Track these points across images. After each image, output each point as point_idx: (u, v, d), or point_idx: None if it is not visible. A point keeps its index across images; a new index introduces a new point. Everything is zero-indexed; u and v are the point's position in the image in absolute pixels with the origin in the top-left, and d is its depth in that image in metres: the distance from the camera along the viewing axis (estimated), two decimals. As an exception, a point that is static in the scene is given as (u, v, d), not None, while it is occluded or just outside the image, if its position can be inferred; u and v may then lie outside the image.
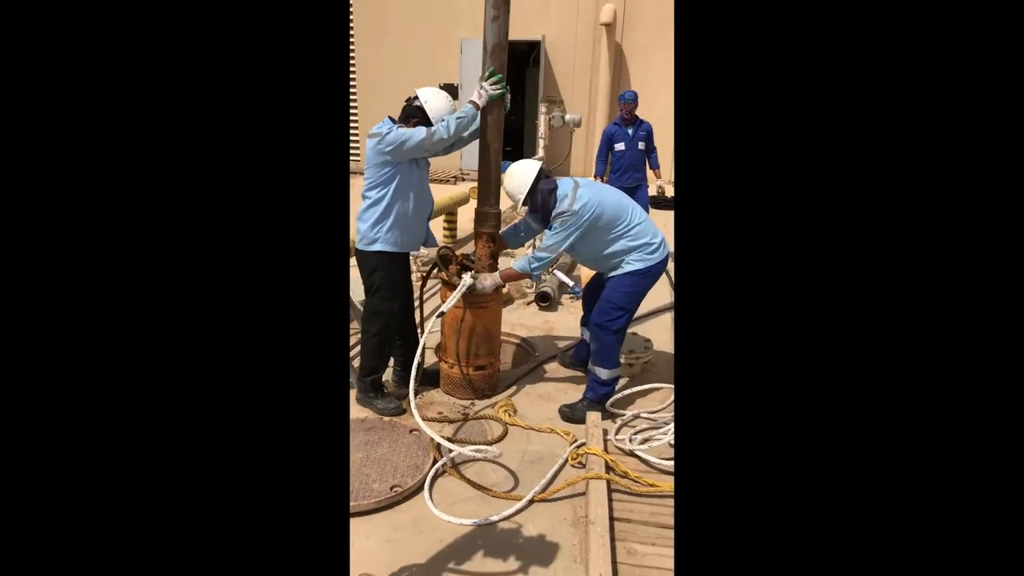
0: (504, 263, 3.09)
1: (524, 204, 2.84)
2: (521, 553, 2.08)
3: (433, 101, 2.69)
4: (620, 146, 5.09)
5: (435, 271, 2.99)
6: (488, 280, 2.83)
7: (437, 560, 2.04)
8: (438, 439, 2.17)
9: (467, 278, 2.76)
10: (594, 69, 9.27)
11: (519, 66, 10.23)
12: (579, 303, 3.73)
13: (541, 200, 2.78)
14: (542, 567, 2.02)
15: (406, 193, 2.68)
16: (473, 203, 3.12)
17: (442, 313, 2.78)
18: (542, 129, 4.33)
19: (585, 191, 2.73)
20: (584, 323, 3.24)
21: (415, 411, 2.23)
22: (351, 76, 9.95)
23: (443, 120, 2.61)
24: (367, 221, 2.68)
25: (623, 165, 5.11)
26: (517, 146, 10.45)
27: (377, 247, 2.69)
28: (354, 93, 10.08)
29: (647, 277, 2.78)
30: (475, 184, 3.08)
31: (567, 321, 4.11)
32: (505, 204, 3.12)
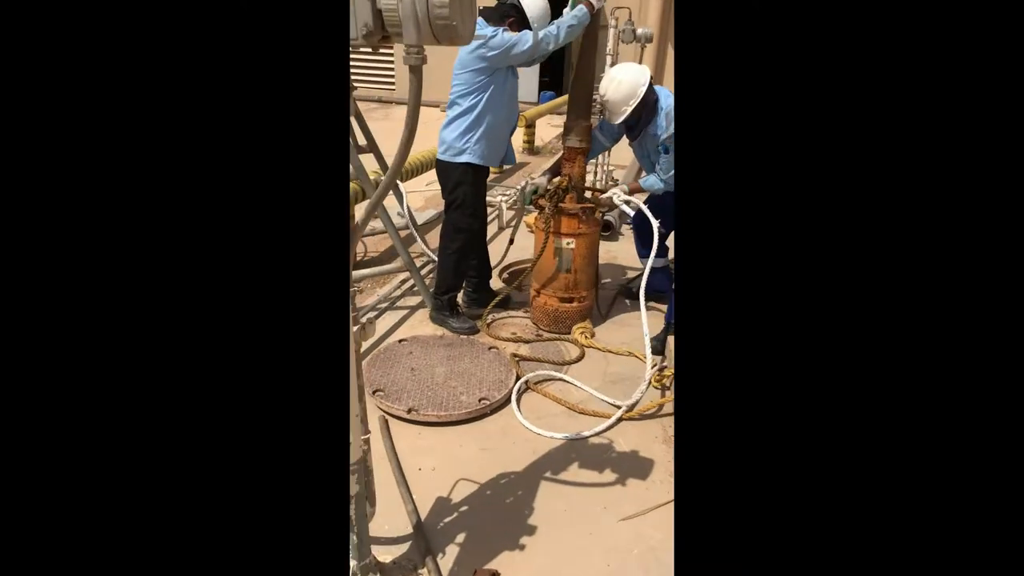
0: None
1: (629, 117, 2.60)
2: (616, 466, 2.09)
3: (536, 6, 2.50)
4: None
5: (552, 202, 2.73)
6: (622, 192, 2.83)
7: (533, 469, 2.06)
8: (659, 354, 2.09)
9: (618, 191, 2.79)
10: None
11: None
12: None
13: (646, 111, 2.59)
14: (639, 480, 2.03)
15: (498, 103, 2.55)
16: (518, 131, 2.94)
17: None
18: (610, 44, 4.06)
19: None
20: (642, 254, 3.11)
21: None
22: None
23: (553, 26, 2.44)
24: (455, 130, 2.57)
25: None
26: (558, 72, 9.90)
27: (464, 158, 2.59)
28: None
29: None
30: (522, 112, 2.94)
31: (629, 250, 4.01)
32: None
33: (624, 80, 2.55)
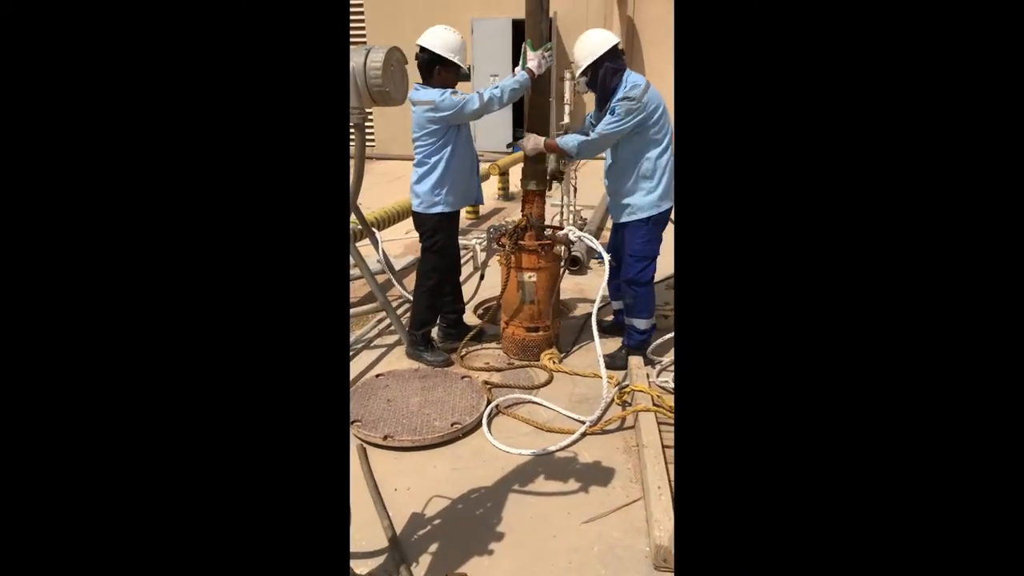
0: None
1: (583, 75, 2.76)
2: (580, 476, 2.23)
3: (441, 39, 2.69)
4: None
5: (512, 240, 2.97)
6: (530, 141, 2.90)
7: (502, 484, 2.20)
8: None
9: (573, 228, 3.03)
10: (606, 44, 9.30)
11: (530, 44, 10.23)
12: (604, 267, 3.79)
13: (603, 76, 2.71)
14: (601, 487, 2.17)
15: (459, 155, 2.83)
16: (492, 179, 3.19)
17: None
18: (568, 95, 4.43)
19: (653, 92, 2.73)
20: (613, 296, 3.29)
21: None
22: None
23: (496, 87, 2.72)
24: (426, 185, 2.83)
25: None
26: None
27: (438, 209, 2.86)
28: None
29: (658, 224, 2.86)
30: (490, 163, 3.18)
31: (596, 283, 4.23)
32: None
33: (588, 40, 2.74)
